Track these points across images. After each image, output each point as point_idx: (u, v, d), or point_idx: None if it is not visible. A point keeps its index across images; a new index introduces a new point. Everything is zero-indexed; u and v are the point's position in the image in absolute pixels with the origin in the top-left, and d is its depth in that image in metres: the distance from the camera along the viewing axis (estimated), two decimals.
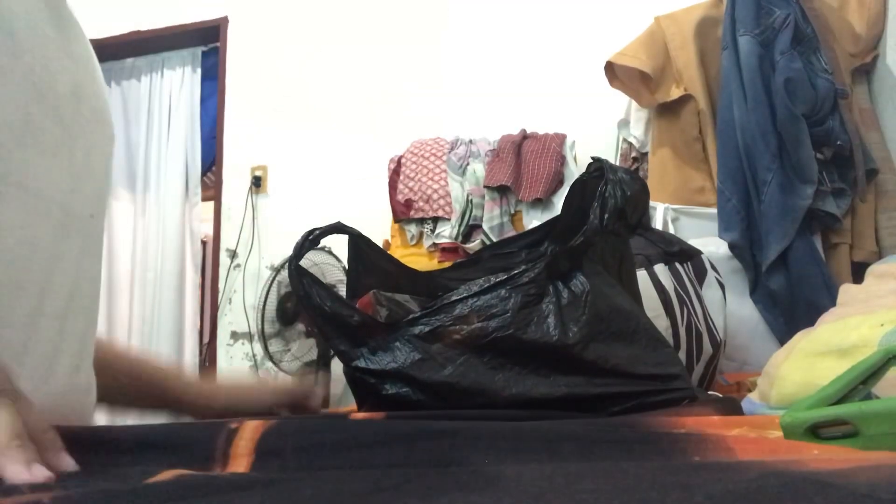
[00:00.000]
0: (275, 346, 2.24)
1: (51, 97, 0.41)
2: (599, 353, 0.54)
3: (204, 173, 3.11)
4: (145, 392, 0.64)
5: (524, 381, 0.53)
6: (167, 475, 0.29)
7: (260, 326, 2.21)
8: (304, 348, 2.33)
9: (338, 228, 0.64)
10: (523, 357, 0.53)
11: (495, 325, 0.54)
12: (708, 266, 1.07)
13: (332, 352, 0.71)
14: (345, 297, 0.67)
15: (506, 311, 0.54)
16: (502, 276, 0.56)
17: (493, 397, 0.52)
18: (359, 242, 0.69)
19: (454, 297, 0.56)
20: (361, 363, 0.55)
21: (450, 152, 2.26)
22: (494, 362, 0.53)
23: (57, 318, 0.43)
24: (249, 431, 0.38)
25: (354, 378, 0.57)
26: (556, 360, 0.53)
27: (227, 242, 2.79)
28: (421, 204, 2.21)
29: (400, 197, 2.25)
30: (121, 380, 0.62)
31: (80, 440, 0.36)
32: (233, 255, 2.76)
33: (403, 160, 2.31)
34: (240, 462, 0.36)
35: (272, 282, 2.28)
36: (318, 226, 0.62)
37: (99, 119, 0.47)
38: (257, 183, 2.75)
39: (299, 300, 0.57)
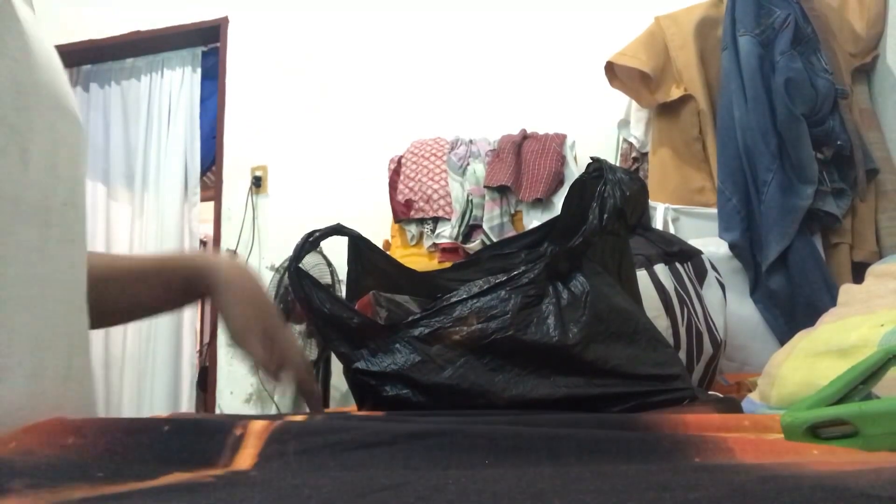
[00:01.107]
0: None
1: None
2: (599, 354, 0.54)
3: (204, 173, 3.11)
4: (166, 284, 0.62)
5: (524, 382, 0.53)
6: (169, 479, 0.29)
7: None
8: (305, 348, 2.34)
9: (337, 230, 0.64)
10: (523, 358, 0.53)
11: (495, 327, 0.53)
12: (708, 266, 1.07)
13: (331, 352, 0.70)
14: (343, 298, 0.67)
15: (505, 313, 0.54)
16: (502, 277, 0.56)
17: (493, 399, 0.52)
18: (358, 244, 0.69)
19: (454, 299, 0.56)
20: (362, 365, 0.55)
21: (450, 152, 2.25)
22: (494, 364, 0.53)
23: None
24: (254, 438, 0.38)
25: (355, 380, 0.57)
26: (557, 360, 0.53)
27: (227, 243, 2.79)
28: (421, 204, 2.21)
29: (400, 197, 2.25)
30: (131, 286, 0.61)
31: (81, 435, 0.36)
32: (233, 255, 2.76)
33: (403, 160, 2.31)
34: (243, 464, 0.36)
35: (280, 282, 2.29)
36: (318, 226, 0.62)
37: (61, 111, 0.47)
38: (257, 183, 2.75)
39: (299, 302, 0.57)
